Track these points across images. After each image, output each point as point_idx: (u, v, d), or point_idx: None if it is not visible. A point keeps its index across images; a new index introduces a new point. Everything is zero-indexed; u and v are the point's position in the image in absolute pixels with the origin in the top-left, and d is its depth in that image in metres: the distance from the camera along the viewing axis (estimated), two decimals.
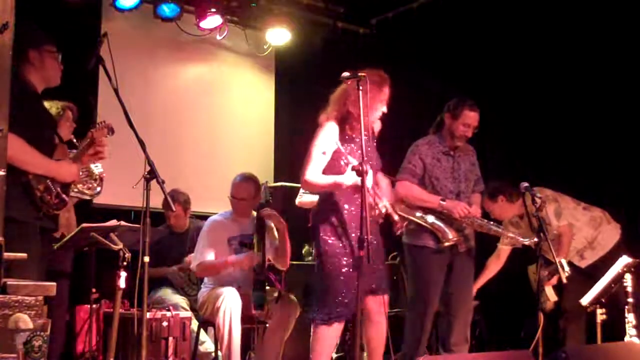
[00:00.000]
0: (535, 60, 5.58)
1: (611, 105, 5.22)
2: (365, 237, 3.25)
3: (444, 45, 6.05)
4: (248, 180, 4.58)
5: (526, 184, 4.28)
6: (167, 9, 6.18)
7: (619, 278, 4.16)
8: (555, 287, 4.72)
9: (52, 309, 2.57)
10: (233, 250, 4.52)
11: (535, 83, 5.60)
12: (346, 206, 3.72)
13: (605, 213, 4.90)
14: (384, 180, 4.03)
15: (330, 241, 3.71)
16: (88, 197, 4.16)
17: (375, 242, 3.72)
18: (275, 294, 4.44)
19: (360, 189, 3.41)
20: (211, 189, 6.21)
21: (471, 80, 5.79)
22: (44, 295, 2.27)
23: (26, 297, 2.22)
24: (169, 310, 4.61)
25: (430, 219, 4.29)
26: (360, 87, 3.42)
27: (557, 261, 4.23)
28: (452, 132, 4.40)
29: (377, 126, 3.92)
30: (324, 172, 3.71)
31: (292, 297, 4.52)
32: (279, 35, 6.65)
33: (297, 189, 5.10)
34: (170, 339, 4.52)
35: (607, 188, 5.25)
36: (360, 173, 3.35)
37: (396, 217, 3.65)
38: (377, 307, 3.74)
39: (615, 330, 4.20)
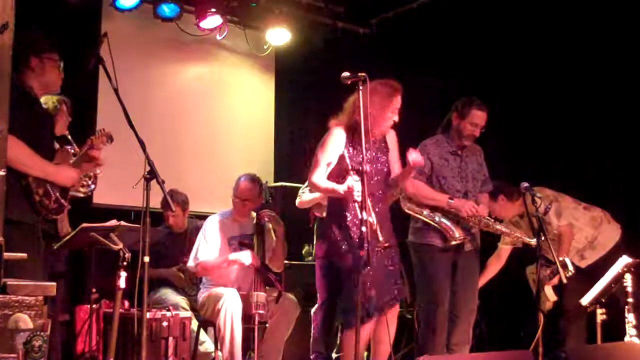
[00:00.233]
0: (535, 59, 5.57)
1: (611, 105, 5.21)
2: (365, 237, 3.26)
3: (444, 45, 6.05)
4: (252, 181, 4.59)
5: (526, 184, 4.28)
6: (167, 9, 6.18)
7: (619, 278, 4.16)
8: (555, 287, 4.71)
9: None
10: (232, 250, 4.53)
11: (535, 83, 5.59)
12: (353, 209, 3.75)
13: (606, 213, 4.90)
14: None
15: (340, 243, 3.77)
16: (82, 195, 4.15)
17: (387, 244, 3.76)
18: (275, 294, 4.44)
19: (351, 198, 3.56)
20: (211, 189, 6.22)
21: (471, 80, 5.79)
22: (44, 295, 2.27)
23: (26, 297, 2.22)
24: (169, 310, 4.61)
25: (438, 217, 4.32)
26: (360, 87, 3.43)
27: (558, 261, 4.23)
28: (459, 132, 4.42)
29: (392, 137, 3.94)
30: (331, 176, 3.79)
31: (292, 297, 4.53)
32: (279, 35, 6.65)
33: (297, 189, 5.10)
34: (170, 339, 4.52)
35: (607, 188, 5.25)
36: (360, 174, 3.37)
37: (381, 238, 3.67)
38: (392, 313, 3.82)
39: (615, 330, 4.20)
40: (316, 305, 4.73)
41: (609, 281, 4.18)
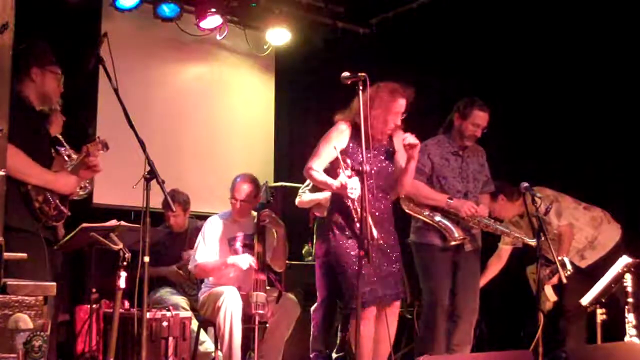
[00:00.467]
0: (536, 59, 5.57)
1: (611, 105, 5.21)
2: (365, 238, 3.27)
3: (444, 45, 6.05)
4: (248, 181, 4.58)
5: (526, 184, 4.28)
6: (167, 9, 6.18)
7: (619, 278, 4.16)
8: (555, 287, 4.71)
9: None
10: (233, 251, 4.52)
11: (535, 82, 5.59)
12: (352, 205, 3.75)
13: (606, 213, 4.90)
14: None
15: (343, 241, 3.78)
16: (77, 197, 4.14)
17: (386, 243, 3.78)
18: (275, 294, 4.44)
19: (344, 195, 3.63)
20: (211, 189, 6.22)
21: (471, 80, 5.79)
22: (44, 295, 2.27)
23: (26, 297, 2.22)
24: (169, 310, 4.61)
25: (438, 217, 4.32)
26: (360, 88, 3.43)
27: (557, 260, 4.23)
28: (461, 132, 4.43)
29: (400, 138, 3.89)
30: (329, 169, 3.81)
31: (292, 297, 4.52)
32: (279, 35, 6.65)
33: (297, 189, 5.10)
34: (170, 339, 4.52)
35: (607, 188, 5.25)
36: (360, 174, 3.38)
37: (376, 235, 3.69)
38: (389, 309, 3.82)
39: (615, 330, 4.19)
40: (316, 304, 4.73)
41: (609, 281, 4.18)
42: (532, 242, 4.40)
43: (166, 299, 5.00)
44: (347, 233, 3.78)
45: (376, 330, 3.84)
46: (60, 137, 4.03)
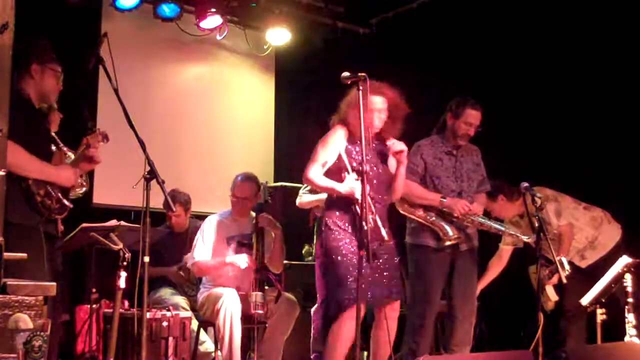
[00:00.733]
0: (535, 59, 5.57)
1: (611, 105, 5.21)
2: (365, 238, 3.26)
3: (444, 45, 6.05)
4: (250, 179, 4.60)
5: (526, 184, 4.28)
6: (167, 9, 6.18)
7: (619, 278, 4.16)
8: (555, 287, 4.71)
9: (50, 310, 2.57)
10: (232, 250, 4.53)
11: (535, 82, 5.59)
12: (350, 205, 3.73)
13: (606, 213, 4.90)
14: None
15: (336, 235, 3.73)
16: (74, 196, 4.13)
17: (384, 244, 3.75)
18: (275, 294, 4.44)
19: (352, 199, 3.61)
20: (211, 189, 6.22)
21: (471, 80, 5.78)
22: (44, 295, 2.27)
23: (26, 297, 2.22)
24: (169, 310, 4.61)
25: (432, 217, 4.31)
26: (360, 88, 3.43)
27: (557, 260, 4.23)
28: (454, 132, 4.42)
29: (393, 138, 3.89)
30: (328, 173, 3.78)
31: (292, 297, 4.53)
32: (279, 35, 6.65)
33: (297, 189, 5.10)
34: (170, 339, 4.52)
35: (607, 188, 5.25)
36: (360, 174, 3.37)
37: (384, 235, 3.67)
38: (389, 312, 3.77)
39: (615, 330, 4.19)
40: (316, 305, 4.73)
41: (609, 281, 4.18)
42: (529, 239, 4.40)
43: (166, 299, 5.00)
44: (344, 231, 3.74)
45: (375, 332, 3.82)
46: (54, 135, 4.03)
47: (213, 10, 6.33)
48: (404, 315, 4.47)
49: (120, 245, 3.48)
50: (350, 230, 3.72)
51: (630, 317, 4.11)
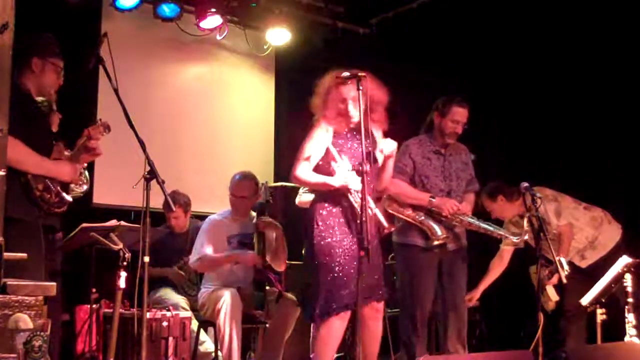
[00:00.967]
0: (535, 59, 5.58)
1: (611, 105, 5.21)
2: (366, 237, 3.23)
3: (444, 45, 6.05)
4: (247, 178, 4.61)
5: (526, 184, 4.27)
6: (167, 9, 6.18)
7: (619, 278, 4.15)
8: (556, 287, 4.71)
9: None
10: (232, 249, 4.52)
11: (535, 83, 5.60)
12: (339, 200, 3.64)
13: (606, 213, 4.89)
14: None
15: (323, 234, 3.61)
16: (74, 195, 4.12)
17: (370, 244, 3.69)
18: (275, 294, 4.44)
19: (347, 192, 3.53)
20: (211, 189, 6.21)
21: (471, 80, 5.79)
22: (44, 295, 2.27)
23: (26, 297, 2.22)
24: (169, 310, 4.61)
25: (420, 216, 4.29)
26: (361, 87, 3.42)
27: (556, 260, 4.23)
28: (441, 130, 4.41)
29: (379, 136, 3.78)
30: (317, 169, 3.69)
31: (292, 297, 4.53)
32: (279, 35, 6.65)
33: (297, 188, 5.10)
34: (170, 339, 4.52)
35: (607, 188, 5.25)
36: (360, 173, 3.35)
37: (385, 224, 3.61)
38: (373, 313, 3.64)
39: (615, 330, 4.19)
40: None
41: (609, 281, 4.17)
42: (517, 239, 4.45)
43: (166, 299, 5.00)
44: (333, 229, 3.60)
45: (362, 335, 3.54)
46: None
47: (213, 10, 6.33)
48: (396, 317, 4.46)
49: (120, 245, 3.48)
50: (339, 228, 3.60)
51: (630, 317, 4.11)
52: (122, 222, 3.90)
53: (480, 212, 4.84)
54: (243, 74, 7.22)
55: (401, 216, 4.34)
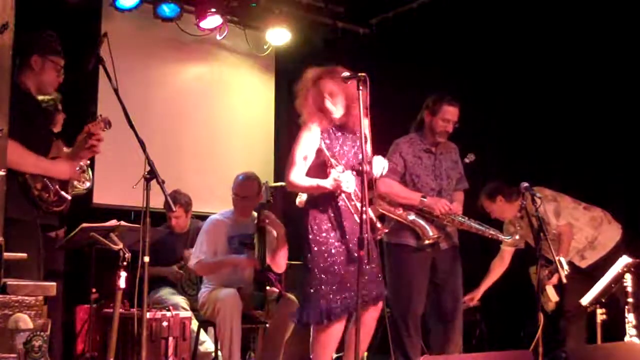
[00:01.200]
0: (535, 59, 5.57)
1: (611, 105, 5.21)
2: (365, 237, 3.22)
3: (444, 45, 6.05)
4: (251, 178, 4.61)
5: (526, 184, 4.27)
6: (167, 9, 6.19)
7: (619, 278, 4.15)
8: (556, 287, 4.71)
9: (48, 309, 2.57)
10: (233, 250, 4.52)
11: (535, 83, 5.59)
12: (332, 202, 3.63)
13: (606, 213, 4.89)
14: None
15: (317, 239, 3.58)
16: (80, 193, 4.12)
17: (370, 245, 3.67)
18: (275, 294, 4.44)
19: (340, 193, 3.50)
20: (211, 189, 6.22)
21: (471, 81, 5.79)
22: (44, 295, 2.27)
23: (26, 297, 2.22)
24: (169, 310, 4.61)
25: (411, 216, 4.28)
26: (361, 88, 3.41)
27: (556, 260, 4.23)
28: (432, 129, 4.40)
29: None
30: (310, 172, 3.65)
31: (292, 297, 4.52)
32: (279, 35, 6.65)
33: None
34: (170, 339, 4.52)
35: (607, 188, 5.25)
36: (360, 173, 3.34)
37: (379, 224, 3.59)
38: (370, 312, 3.59)
39: (615, 330, 4.19)
40: None
41: (609, 281, 4.17)
42: (509, 238, 4.50)
43: (166, 299, 5.00)
44: (326, 232, 3.57)
45: (351, 333, 3.56)
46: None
47: (213, 10, 6.34)
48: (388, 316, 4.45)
49: (120, 245, 3.48)
50: (332, 231, 3.57)
51: (630, 317, 4.10)
52: (122, 222, 3.90)
53: (480, 213, 4.85)
54: (243, 74, 7.22)
55: (392, 215, 4.32)
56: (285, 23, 6.58)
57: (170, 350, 4.51)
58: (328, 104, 3.65)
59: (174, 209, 4.69)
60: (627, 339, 4.08)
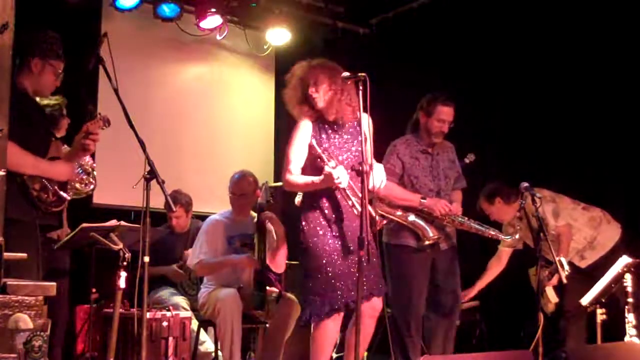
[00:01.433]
0: (535, 60, 5.57)
1: (611, 105, 5.21)
2: (365, 236, 3.22)
3: (444, 45, 6.05)
4: (246, 176, 4.62)
5: (526, 184, 4.27)
6: (167, 9, 6.19)
7: (619, 278, 4.15)
8: (555, 288, 4.71)
9: (54, 308, 2.57)
10: (233, 250, 4.53)
11: (535, 83, 5.59)
12: (328, 199, 3.64)
13: (605, 213, 4.89)
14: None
15: (312, 237, 3.60)
16: (83, 194, 4.13)
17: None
18: (275, 294, 4.44)
19: (335, 188, 3.51)
20: (211, 189, 6.22)
21: (471, 81, 5.79)
22: (44, 295, 2.27)
23: (26, 297, 2.22)
24: (169, 310, 4.61)
25: (411, 217, 4.28)
26: (361, 88, 3.42)
27: (556, 260, 4.23)
28: (428, 130, 4.40)
29: (366, 122, 3.65)
30: (306, 171, 3.67)
31: (292, 297, 4.53)
32: (279, 35, 6.65)
33: None
34: (170, 339, 4.52)
35: (607, 188, 5.25)
36: (360, 173, 3.34)
37: (376, 217, 3.55)
38: (369, 311, 3.59)
39: (615, 330, 4.19)
40: None
41: (609, 281, 4.17)
42: (509, 238, 4.49)
43: (166, 299, 5.00)
44: (322, 228, 3.58)
45: (351, 332, 3.57)
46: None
47: (213, 10, 6.34)
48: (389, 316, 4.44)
49: (120, 245, 3.48)
50: (327, 229, 3.58)
51: (630, 317, 4.10)
52: (122, 222, 3.89)
53: (479, 215, 4.85)
54: (243, 74, 7.22)
55: (391, 217, 4.32)
56: (285, 23, 6.58)
57: (170, 351, 4.51)
58: (312, 92, 3.67)
59: (174, 209, 4.69)
60: (627, 339, 4.08)
